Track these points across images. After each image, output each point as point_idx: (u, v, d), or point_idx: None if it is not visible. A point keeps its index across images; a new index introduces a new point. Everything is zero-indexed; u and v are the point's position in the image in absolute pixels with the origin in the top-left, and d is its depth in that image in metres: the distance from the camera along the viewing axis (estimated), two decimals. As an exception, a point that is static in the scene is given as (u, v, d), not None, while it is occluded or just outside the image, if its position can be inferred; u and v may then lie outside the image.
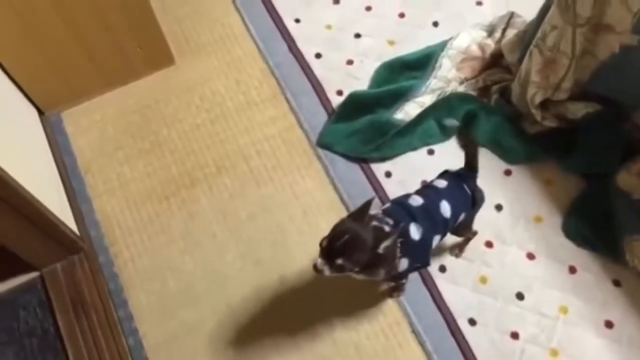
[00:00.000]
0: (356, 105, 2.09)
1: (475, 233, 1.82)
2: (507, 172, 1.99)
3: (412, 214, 1.51)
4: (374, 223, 1.44)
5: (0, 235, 1.63)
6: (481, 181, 1.92)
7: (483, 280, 1.84)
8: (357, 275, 1.48)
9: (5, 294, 1.84)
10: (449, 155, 2.02)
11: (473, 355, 1.74)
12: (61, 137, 2.11)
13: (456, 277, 1.84)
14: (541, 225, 1.91)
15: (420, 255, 1.57)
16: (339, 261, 1.36)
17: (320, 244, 1.39)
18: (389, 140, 2.01)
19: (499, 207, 1.94)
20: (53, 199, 1.82)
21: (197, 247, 1.92)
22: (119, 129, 2.12)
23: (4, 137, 1.67)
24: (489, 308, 1.80)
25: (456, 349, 1.76)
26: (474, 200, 1.63)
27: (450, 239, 1.82)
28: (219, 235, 1.94)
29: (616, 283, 1.82)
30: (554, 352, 1.74)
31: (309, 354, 1.76)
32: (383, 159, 2.03)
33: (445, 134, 2.03)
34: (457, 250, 1.86)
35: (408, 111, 2.06)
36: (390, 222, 1.47)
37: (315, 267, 1.37)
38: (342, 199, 1.97)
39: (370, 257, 1.40)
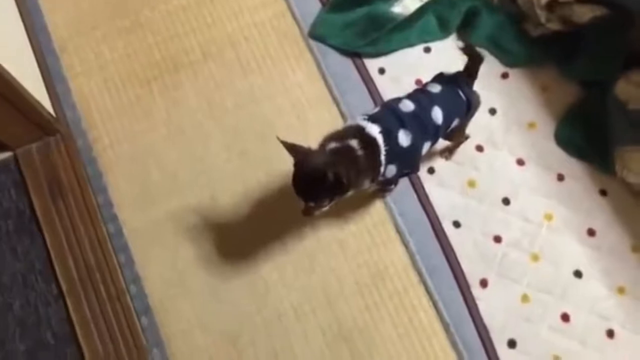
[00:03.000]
0: (353, -6, 1.97)
1: (467, 137, 1.78)
2: (504, 75, 1.93)
3: (401, 120, 1.45)
4: (332, 145, 1.40)
5: (-29, 110, 1.53)
6: (477, 83, 1.86)
7: (471, 183, 1.83)
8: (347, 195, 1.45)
9: (-23, 173, 1.77)
10: (445, 54, 1.95)
11: (455, 256, 1.76)
12: (34, 10, 1.96)
13: (444, 180, 1.82)
14: (534, 131, 1.88)
15: (410, 162, 1.54)
16: (312, 204, 1.40)
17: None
18: (385, 35, 1.92)
19: (492, 111, 1.89)
20: (26, 75, 1.70)
21: (181, 135, 1.85)
22: (96, 5, 1.98)
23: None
24: (474, 211, 1.80)
25: (439, 249, 1.77)
26: (469, 106, 1.57)
27: (441, 142, 1.78)
28: (204, 123, 1.86)
29: (602, 192, 1.82)
30: (535, 257, 1.76)
31: (292, 250, 1.75)
32: (377, 54, 1.94)
33: (444, 31, 1.94)
34: (447, 153, 1.83)
35: (407, 5, 1.96)
36: (374, 130, 1.42)
37: (304, 211, 1.43)
38: (332, 94, 1.90)
39: (338, 184, 1.36)
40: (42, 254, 1.72)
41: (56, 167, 1.78)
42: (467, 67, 1.56)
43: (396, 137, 1.44)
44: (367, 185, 1.49)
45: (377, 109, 1.52)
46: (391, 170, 1.49)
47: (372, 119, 1.46)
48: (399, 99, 1.52)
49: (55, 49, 1.93)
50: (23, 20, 1.92)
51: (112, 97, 1.87)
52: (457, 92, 1.54)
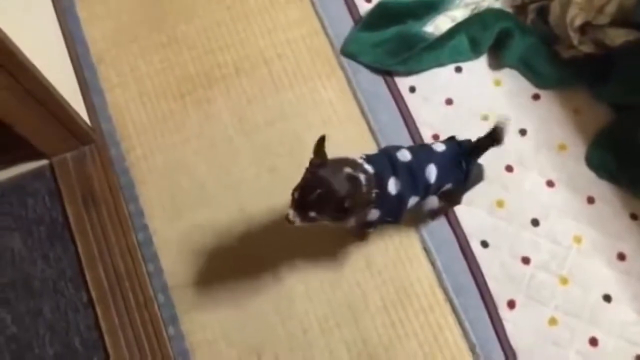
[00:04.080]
0: (385, 14, 1.99)
1: (458, 203, 1.76)
2: (536, 97, 1.93)
3: (394, 168, 1.44)
4: (348, 170, 1.37)
5: (12, 118, 1.57)
6: (508, 104, 1.88)
7: (500, 204, 1.82)
8: (327, 223, 1.43)
9: (14, 179, 1.81)
10: (477, 73, 1.96)
11: (482, 276, 1.75)
12: (73, 22, 2.01)
13: (472, 199, 1.81)
14: (564, 153, 1.87)
15: (393, 211, 1.51)
16: (312, 214, 1.35)
17: (292, 194, 1.36)
18: (417, 54, 1.93)
19: (523, 132, 1.89)
20: (65, 86, 1.74)
21: (212, 149, 1.87)
22: (134, 19, 2.02)
23: (17, 15, 1.58)
24: (502, 232, 1.79)
25: (466, 269, 1.76)
26: (467, 176, 1.53)
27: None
28: (235, 138, 1.88)
29: (633, 217, 1.81)
30: (564, 280, 1.75)
31: (319, 264, 1.76)
32: (408, 73, 1.96)
33: (475, 51, 1.95)
34: (432, 214, 1.80)
35: (439, 25, 1.98)
36: (370, 170, 1.40)
37: (287, 218, 1.36)
38: (362, 111, 1.91)
39: (342, 209, 1.35)
40: (73, 261, 1.74)
41: (90, 176, 1.81)
42: (481, 141, 1.48)
43: (386, 183, 1.43)
44: (352, 222, 1.48)
45: (375, 152, 1.51)
46: (373, 214, 1.48)
47: (369, 160, 1.45)
48: (398, 147, 1.51)
49: (93, 61, 1.97)
50: (63, 32, 1.97)
51: (147, 110, 1.91)
52: (458, 159, 1.50)
